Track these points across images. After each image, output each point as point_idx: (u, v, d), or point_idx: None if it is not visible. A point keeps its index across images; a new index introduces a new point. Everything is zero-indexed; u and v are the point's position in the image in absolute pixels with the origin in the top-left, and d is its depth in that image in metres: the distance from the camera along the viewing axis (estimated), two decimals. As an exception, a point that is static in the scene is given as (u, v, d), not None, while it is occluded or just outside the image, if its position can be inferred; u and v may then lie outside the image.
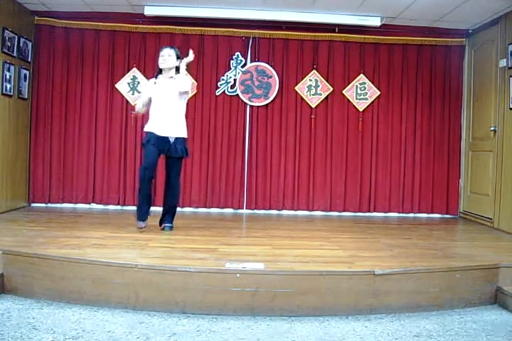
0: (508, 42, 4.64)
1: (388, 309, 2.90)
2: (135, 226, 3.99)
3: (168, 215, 4.09)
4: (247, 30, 5.37)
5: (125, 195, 5.40)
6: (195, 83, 5.34)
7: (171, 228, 4.07)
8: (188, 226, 4.39)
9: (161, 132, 3.83)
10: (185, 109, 3.98)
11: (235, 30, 5.35)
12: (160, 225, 4.09)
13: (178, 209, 5.35)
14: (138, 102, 4.05)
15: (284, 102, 5.45)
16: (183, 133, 3.93)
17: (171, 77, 3.88)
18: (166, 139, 3.84)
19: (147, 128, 3.92)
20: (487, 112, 5.05)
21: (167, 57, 3.85)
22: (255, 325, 2.68)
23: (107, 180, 5.38)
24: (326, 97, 5.46)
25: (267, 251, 3.44)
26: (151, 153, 3.81)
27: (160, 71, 3.94)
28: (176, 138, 3.87)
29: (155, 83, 3.94)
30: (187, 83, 3.84)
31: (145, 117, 4.16)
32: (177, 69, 3.88)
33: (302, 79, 5.44)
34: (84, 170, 5.36)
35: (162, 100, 3.87)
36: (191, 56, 3.85)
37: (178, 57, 3.89)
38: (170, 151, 3.85)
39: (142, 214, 3.94)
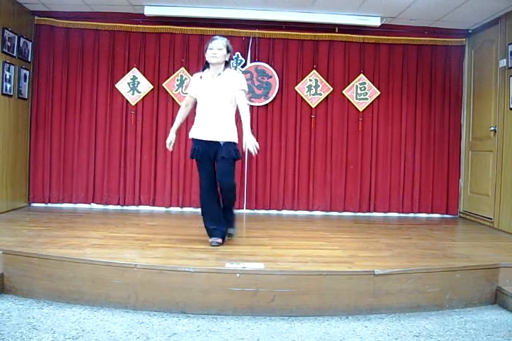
0: (508, 42, 4.64)
1: (388, 309, 2.90)
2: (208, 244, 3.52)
3: (225, 219, 3.60)
4: (247, 30, 5.36)
5: (125, 195, 5.39)
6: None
7: (231, 235, 3.66)
8: (188, 226, 4.39)
9: (208, 137, 3.40)
10: (234, 111, 3.48)
11: (235, 30, 5.34)
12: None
13: (178, 209, 5.42)
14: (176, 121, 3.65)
15: (284, 102, 5.45)
16: (232, 137, 3.42)
17: (219, 74, 3.42)
18: (214, 143, 3.39)
19: (193, 134, 3.49)
20: (487, 112, 5.05)
21: (216, 50, 3.37)
22: (255, 325, 2.68)
23: (107, 180, 5.37)
24: (326, 97, 5.46)
25: (267, 251, 3.44)
26: (205, 171, 3.47)
27: (206, 65, 3.49)
28: (225, 143, 3.39)
29: (201, 77, 3.49)
30: (242, 81, 3.44)
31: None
32: (226, 63, 3.47)
33: (302, 79, 5.44)
34: (85, 169, 5.35)
35: (209, 101, 3.42)
36: (251, 149, 3.26)
37: (228, 51, 3.43)
38: (218, 153, 3.38)
39: (212, 231, 3.54)
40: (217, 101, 3.40)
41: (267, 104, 5.43)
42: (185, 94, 3.68)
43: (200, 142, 3.42)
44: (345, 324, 2.73)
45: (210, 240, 3.50)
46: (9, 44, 4.73)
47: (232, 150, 3.39)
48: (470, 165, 5.42)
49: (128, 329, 2.56)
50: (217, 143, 3.38)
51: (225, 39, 3.47)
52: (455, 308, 3.00)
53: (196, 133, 3.47)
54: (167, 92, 5.34)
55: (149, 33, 5.33)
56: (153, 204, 5.42)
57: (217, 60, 3.39)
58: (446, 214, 5.55)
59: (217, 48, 3.38)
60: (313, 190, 5.47)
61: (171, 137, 3.60)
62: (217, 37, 3.48)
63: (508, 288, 3.06)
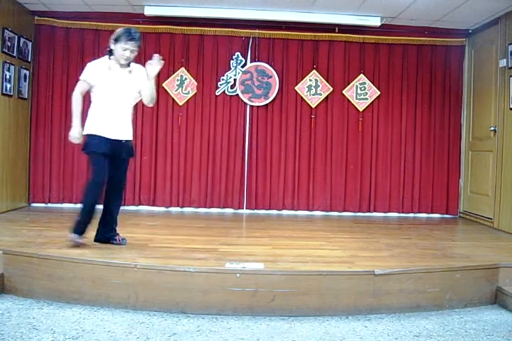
0: (508, 42, 4.64)
1: (388, 309, 2.90)
2: (71, 240, 3.24)
3: (114, 224, 3.41)
4: (247, 30, 5.37)
5: (125, 194, 5.37)
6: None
7: (124, 242, 3.41)
8: (188, 226, 4.39)
9: (113, 135, 3.21)
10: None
11: (235, 30, 5.35)
12: (107, 240, 3.37)
13: (178, 209, 5.42)
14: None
15: (284, 102, 5.45)
16: (132, 135, 3.40)
17: (130, 71, 3.30)
18: (117, 142, 3.24)
19: (93, 129, 3.19)
20: (487, 112, 5.05)
21: (129, 53, 3.20)
22: (255, 325, 2.68)
23: (106, 180, 5.37)
24: (326, 97, 5.45)
25: (267, 251, 3.44)
26: (103, 167, 3.20)
27: (110, 53, 3.24)
28: (126, 140, 3.32)
29: (109, 69, 3.24)
30: (153, 87, 3.29)
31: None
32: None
33: (302, 79, 5.43)
34: (84, 169, 5.33)
35: (121, 97, 3.26)
36: (155, 66, 3.23)
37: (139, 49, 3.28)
38: (120, 153, 3.28)
39: (84, 228, 3.28)
40: (129, 98, 3.32)
41: (267, 104, 5.43)
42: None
43: (106, 140, 3.19)
44: (345, 324, 2.73)
45: (74, 236, 3.22)
46: (9, 44, 4.73)
47: (131, 149, 3.39)
48: (470, 165, 5.42)
49: (128, 329, 2.56)
50: (121, 141, 3.26)
51: (140, 39, 3.23)
52: (455, 308, 3.00)
53: (103, 130, 3.19)
54: (167, 92, 5.34)
55: (149, 33, 5.32)
56: (153, 204, 5.41)
57: (127, 62, 3.26)
58: (446, 214, 5.55)
59: (131, 51, 3.20)
60: (313, 190, 5.47)
61: (80, 132, 3.21)
62: (135, 35, 3.19)
63: (508, 288, 3.06)
